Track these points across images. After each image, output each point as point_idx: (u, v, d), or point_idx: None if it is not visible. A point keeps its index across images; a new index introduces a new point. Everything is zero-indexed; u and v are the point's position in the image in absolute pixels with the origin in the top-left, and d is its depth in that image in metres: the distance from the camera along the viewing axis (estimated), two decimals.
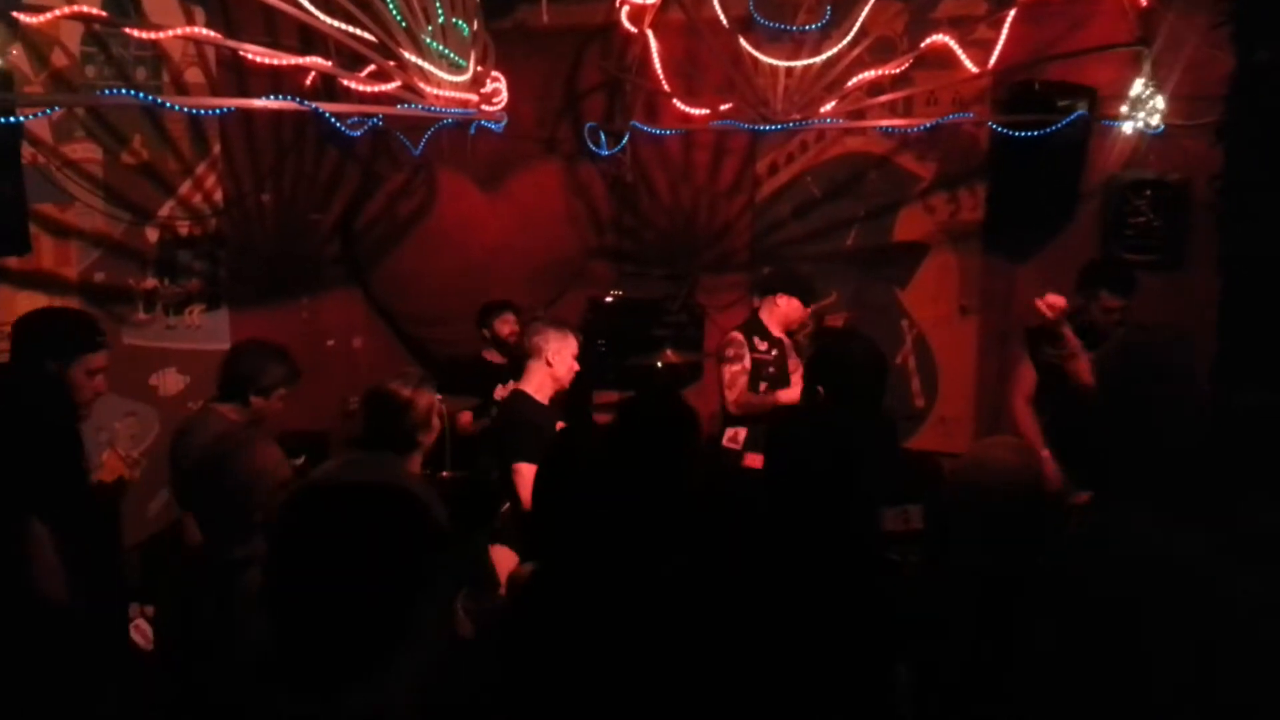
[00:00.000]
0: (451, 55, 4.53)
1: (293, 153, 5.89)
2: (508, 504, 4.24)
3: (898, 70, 5.21)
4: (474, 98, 4.78)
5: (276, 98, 4.19)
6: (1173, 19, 5.14)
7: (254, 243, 5.63)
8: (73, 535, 2.64)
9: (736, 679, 2.19)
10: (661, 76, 5.59)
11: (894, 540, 3.22)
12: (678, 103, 5.54)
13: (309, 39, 4.97)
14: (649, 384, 5.38)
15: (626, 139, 6.04)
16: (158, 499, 4.68)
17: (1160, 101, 5.10)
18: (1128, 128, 5.23)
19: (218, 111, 4.92)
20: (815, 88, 5.01)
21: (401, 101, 4.45)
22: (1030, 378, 4.79)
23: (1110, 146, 5.44)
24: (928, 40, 5.10)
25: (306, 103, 4.23)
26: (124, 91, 3.89)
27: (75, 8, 3.67)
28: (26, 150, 4.00)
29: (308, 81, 5.24)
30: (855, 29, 4.91)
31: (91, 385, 3.17)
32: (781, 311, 5.04)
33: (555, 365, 4.28)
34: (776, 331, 5.05)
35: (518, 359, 4.74)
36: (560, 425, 4.11)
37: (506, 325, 5.48)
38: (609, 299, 6.32)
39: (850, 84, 5.05)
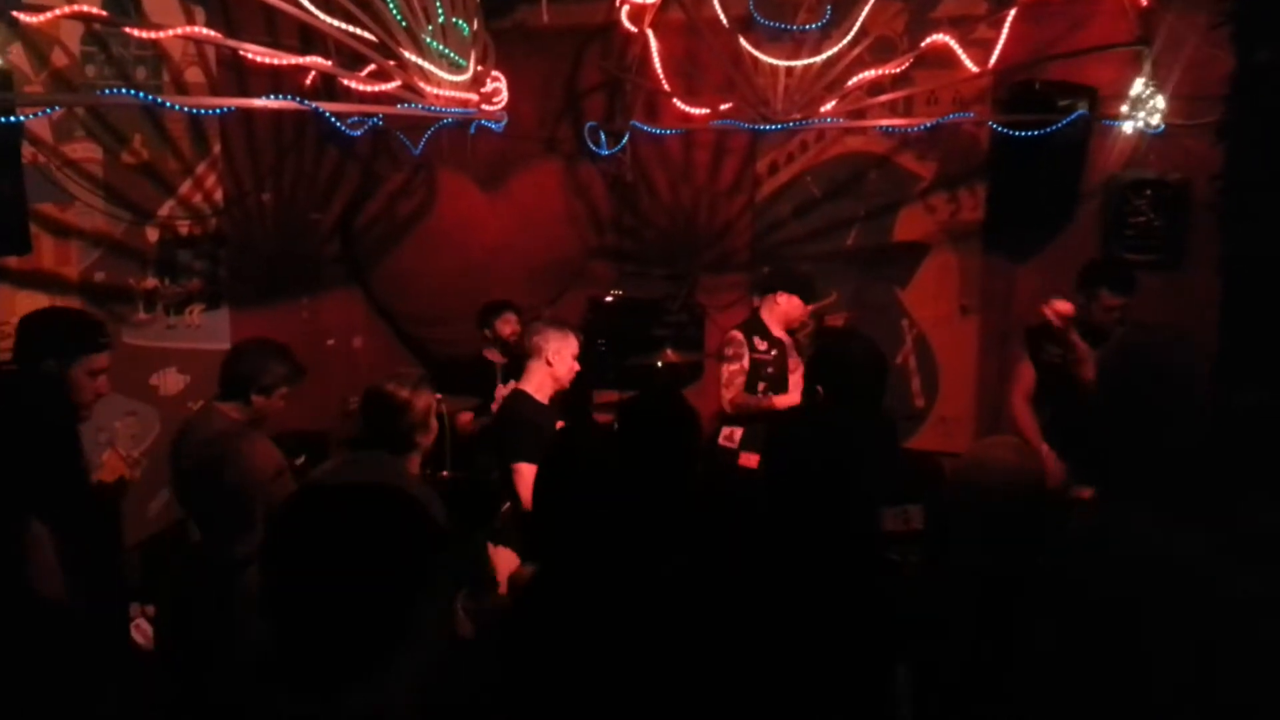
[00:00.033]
0: (452, 55, 4.53)
1: (293, 152, 5.89)
2: (508, 504, 4.24)
3: (898, 70, 5.21)
4: (474, 97, 4.78)
5: (277, 97, 4.19)
6: (1173, 19, 5.14)
7: (254, 242, 5.63)
8: (72, 535, 2.64)
9: (736, 679, 2.19)
10: (661, 76, 5.59)
11: (894, 540, 3.22)
12: (678, 102, 5.54)
13: (309, 38, 4.97)
14: (649, 384, 5.38)
15: (626, 139, 6.04)
16: (158, 499, 4.68)
17: (1160, 101, 5.10)
18: (1128, 127, 5.23)
19: (218, 111, 4.92)
20: (815, 87, 5.01)
21: (402, 101, 4.45)
22: (1030, 377, 4.79)
23: (1110, 146, 5.44)
24: (928, 40, 5.10)
25: (307, 102, 4.23)
26: (124, 91, 3.88)
27: (75, 7, 3.67)
28: (27, 150, 4.00)
29: (308, 81, 5.24)
30: (855, 28, 4.91)
31: (93, 386, 3.17)
32: (782, 310, 5.04)
33: (555, 365, 4.28)
34: (777, 331, 5.05)
35: (518, 359, 4.74)
36: (560, 425, 4.11)
37: (508, 325, 5.49)
38: (609, 299, 6.32)
39: (850, 83, 5.05)
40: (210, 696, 2.99)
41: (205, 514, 3.58)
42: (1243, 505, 2.01)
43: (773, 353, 5.00)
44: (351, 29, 4.23)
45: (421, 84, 4.42)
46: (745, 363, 4.96)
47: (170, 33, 4.13)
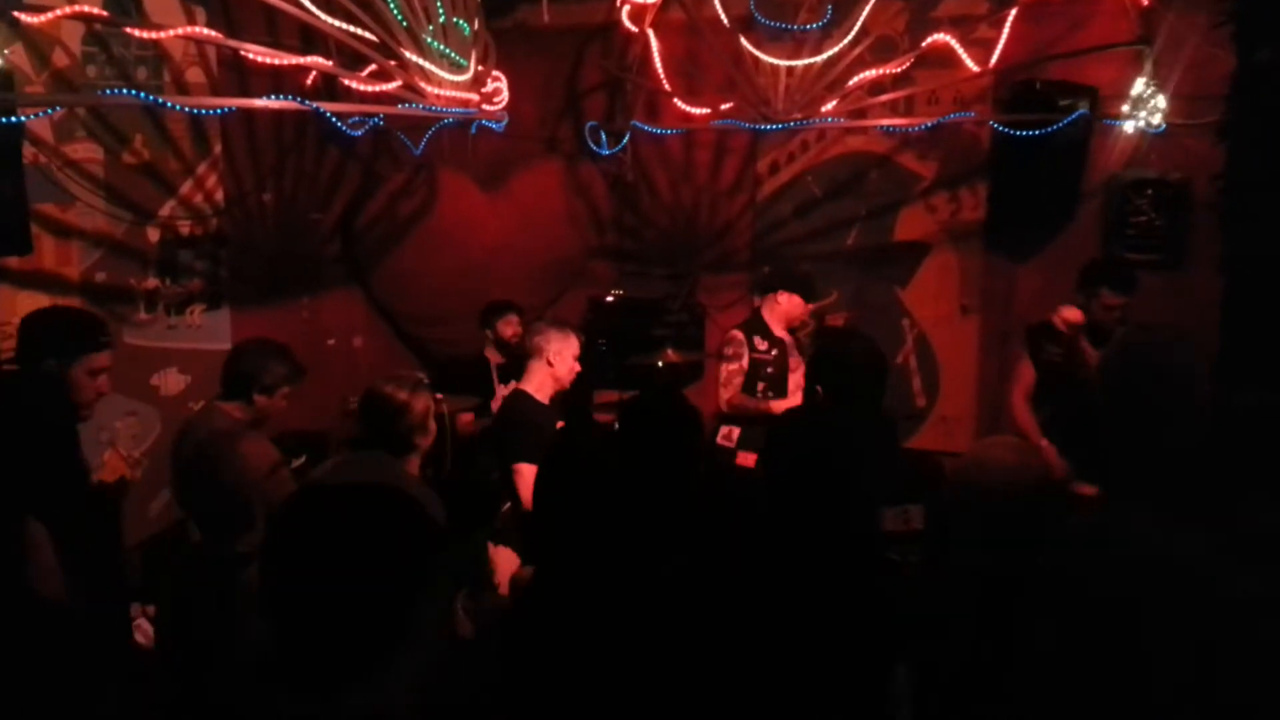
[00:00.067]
0: (452, 55, 4.53)
1: (294, 152, 5.89)
2: (508, 504, 4.24)
3: (899, 69, 5.21)
4: (475, 97, 4.78)
5: (277, 97, 4.19)
6: (1173, 18, 5.14)
7: (255, 242, 5.63)
8: (71, 535, 2.64)
9: (736, 679, 2.19)
10: (662, 76, 5.59)
11: (894, 540, 3.22)
12: (678, 102, 5.54)
13: (310, 39, 4.98)
14: (650, 384, 5.38)
15: (627, 138, 6.04)
16: (159, 499, 4.68)
17: (1161, 101, 5.10)
18: (1129, 127, 5.23)
19: (219, 111, 4.92)
20: (816, 87, 5.02)
21: (402, 101, 4.45)
22: (1030, 376, 4.80)
23: (1111, 146, 5.44)
24: (929, 39, 5.10)
25: (307, 102, 4.23)
26: (125, 91, 3.89)
27: (76, 7, 3.67)
28: (28, 150, 4.00)
29: (309, 81, 5.24)
30: (856, 28, 4.92)
31: (93, 385, 3.16)
32: (783, 309, 5.04)
33: (556, 365, 4.28)
34: (778, 330, 5.05)
35: (518, 359, 4.74)
36: (560, 425, 4.11)
37: (509, 327, 5.48)
38: (610, 298, 6.32)
39: (851, 83, 5.06)
40: (210, 696, 2.99)
41: (203, 513, 3.58)
42: (1243, 505, 2.01)
43: (773, 352, 5.00)
44: (352, 29, 4.24)
45: (422, 84, 4.43)
46: (744, 362, 4.96)
47: (171, 33, 4.13)
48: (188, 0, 4.97)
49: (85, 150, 4.48)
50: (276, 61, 4.28)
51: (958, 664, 2.20)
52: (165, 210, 4.98)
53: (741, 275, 6.39)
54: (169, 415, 4.83)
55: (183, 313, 5.11)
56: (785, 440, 2.60)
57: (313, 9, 4.04)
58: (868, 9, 4.91)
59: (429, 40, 4.39)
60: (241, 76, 5.17)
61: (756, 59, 4.99)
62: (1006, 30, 5.11)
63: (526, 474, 3.81)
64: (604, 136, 6.05)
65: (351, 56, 4.51)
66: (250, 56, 4.16)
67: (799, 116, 5.06)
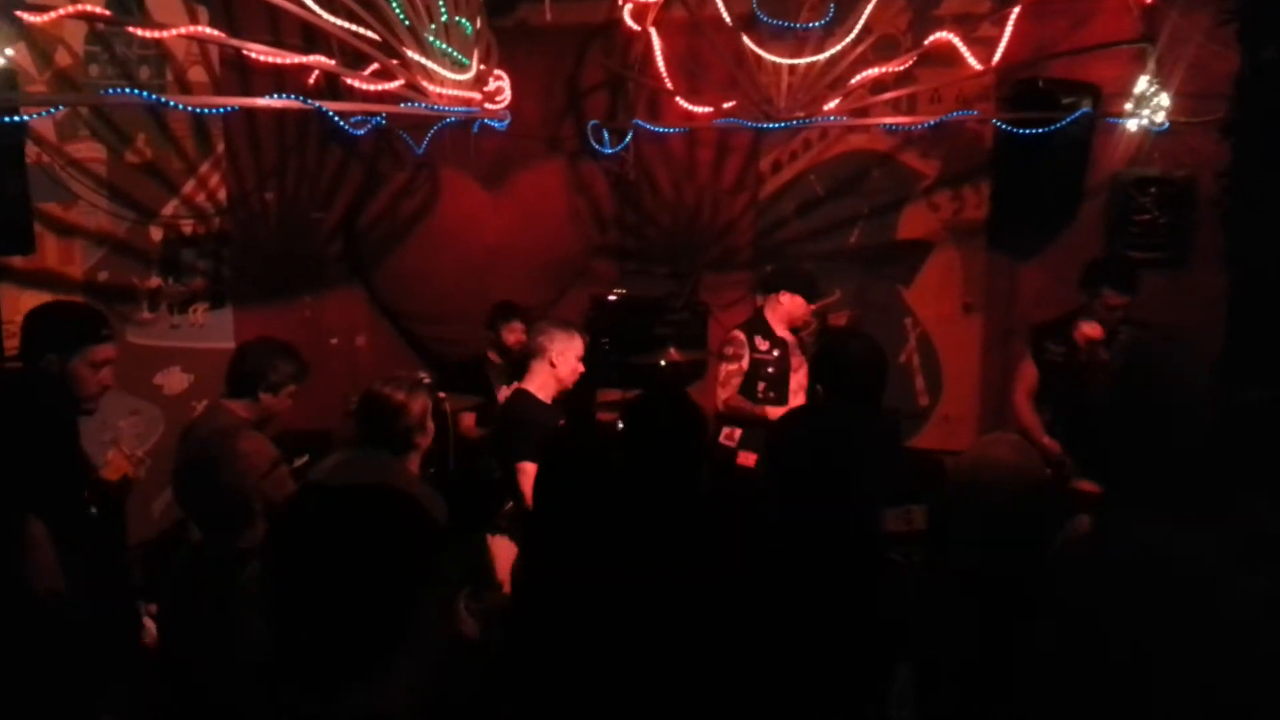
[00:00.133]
0: (455, 54, 4.53)
1: (296, 151, 5.89)
2: (510, 503, 4.24)
3: (901, 68, 5.20)
4: (477, 96, 4.78)
5: (280, 96, 4.19)
6: (1177, 16, 5.13)
7: (258, 241, 5.64)
8: (72, 532, 2.64)
9: (737, 679, 2.19)
10: (664, 74, 5.58)
11: (897, 540, 3.21)
12: (681, 100, 5.53)
13: (312, 38, 4.98)
14: (653, 382, 5.37)
15: (629, 137, 6.03)
16: (162, 498, 4.69)
17: (1165, 98, 5.08)
18: (1132, 125, 5.22)
19: (221, 110, 4.92)
20: (818, 85, 5.01)
21: (405, 100, 4.45)
22: (1032, 375, 4.80)
23: (1114, 144, 5.43)
24: (931, 38, 5.09)
25: (310, 101, 4.23)
26: (128, 90, 3.89)
27: (79, 7, 3.67)
28: (31, 149, 4.00)
29: (311, 80, 5.24)
30: (859, 26, 4.91)
31: (96, 378, 3.16)
32: (785, 309, 5.03)
33: (559, 366, 4.28)
34: (780, 330, 5.04)
35: (519, 364, 4.73)
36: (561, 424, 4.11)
37: (513, 334, 5.46)
38: (612, 297, 6.31)
39: (854, 81, 5.04)
40: (210, 696, 3.00)
41: (202, 511, 3.58)
42: (1244, 505, 2.01)
43: (774, 353, 5.00)
44: (354, 28, 4.23)
45: (424, 83, 4.42)
46: (744, 363, 4.96)
47: (173, 32, 4.14)
48: (190, 0, 4.98)
49: (88, 149, 4.48)
50: (279, 61, 4.28)
51: (959, 664, 2.19)
52: (168, 209, 4.99)
53: (744, 274, 6.38)
54: (172, 414, 4.84)
55: (186, 312, 5.12)
56: (786, 440, 2.60)
57: (315, 8, 4.04)
58: (870, 7, 4.90)
59: (431, 39, 4.39)
60: (244, 76, 5.18)
61: (759, 57, 4.98)
62: (1009, 28, 5.10)
63: (529, 472, 3.80)
64: (606, 135, 6.04)
65: (354, 55, 4.51)
66: (253, 56, 4.16)
67: (801, 115, 5.05)
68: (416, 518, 1.49)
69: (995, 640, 2.10)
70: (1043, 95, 5.24)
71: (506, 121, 5.21)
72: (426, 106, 4.49)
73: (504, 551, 3.92)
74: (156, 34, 4.41)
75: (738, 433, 4.96)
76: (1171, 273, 5.36)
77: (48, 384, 2.93)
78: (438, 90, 4.47)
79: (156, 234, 4.93)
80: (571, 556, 2.29)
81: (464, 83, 4.62)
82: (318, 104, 4.23)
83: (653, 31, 5.51)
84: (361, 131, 5.32)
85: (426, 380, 3.79)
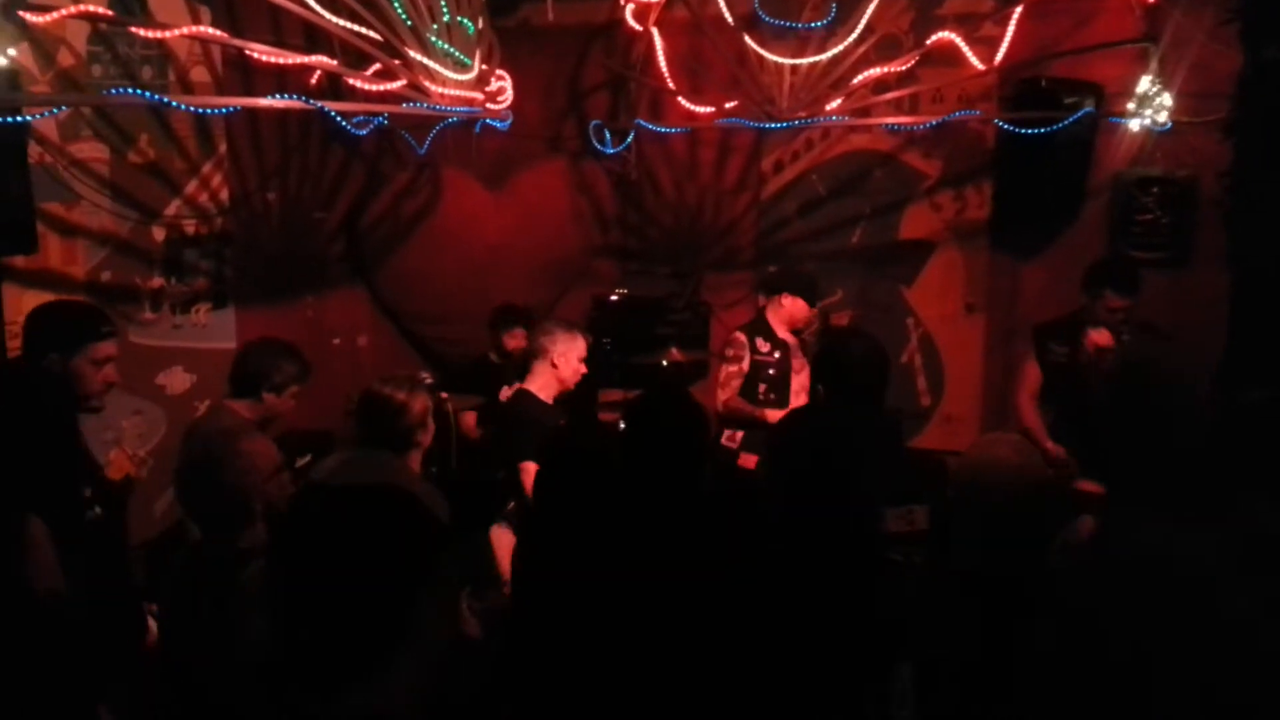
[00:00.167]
0: (457, 54, 4.53)
1: (298, 152, 5.89)
2: (513, 503, 4.24)
3: (903, 67, 5.20)
4: (479, 96, 4.78)
5: (282, 97, 4.19)
6: (1179, 15, 5.12)
7: (260, 241, 5.64)
8: (72, 532, 2.64)
9: (738, 678, 2.19)
10: (666, 74, 5.57)
11: (899, 540, 3.21)
12: (682, 100, 5.53)
13: (314, 38, 4.98)
14: (654, 382, 5.37)
15: (631, 137, 6.03)
16: (164, 498, 4.69)
17: (1167, 98, 5.07)
18: (1134, 125, 5.21)
19: (224, 110, 4.93)
20: (820, 85, 5.01)
21: (407, 100, 4.45)
22: (1036, 376, 4.79)
23: (1117, 143, 5.42)
24: (933, 37, 5.08)
25: (312, 102, 4.23)
26: (130, 91, 3.89)
27: (81, 7, 3.68)
28: (33, 149, 4.00)
29: (313, 80, 5.24)
30: (861, 26, 4.90)
31: (100, 375, 3.15)
32: (787, 312, 5.03)
33: (560, 367, 4.28)
34: (781, 332, 5.04)
35: (519, 367, 4.73)
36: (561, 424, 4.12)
37: (514, 340, 5.45)
38: (613, 297, 6.31)
39: (856, 81, 5.04)
40: (210, 696, 3.00)
41: (202, 511, 3.59)
42: (1245, 505, 2.00)
43: (775, 354, 5.00)
44: (357, 28, 4.24)
45: (427, 83, 4.43)
46: (745, 365, 4.96)
47: (176, 32, 4.14)
48: (192, 0, 4.98)
49: (90, 149, 4.49)
50: (281, 61, 4.28)
51: (959, 663, 2.19)
52: (170, 209, 4.99)
53: (746, 274, 6.38)
54: (175, 414, 4.84)
55: (188, 312, 5.12)
56: (786, 440, 2.60)
57: (317, 8, 4.05)
58: (872, 7, 4.90)
59: (433, 39, 4.39)
60: (246, 76, 5.18)
61: (761, 57, 4.98)
62: (1011, 28, 5.09)
63: (531, 472, 3.80)
64: (608, 135, 6.04)
65: (356, 56, 4.51)
66: (255, 56, 4.17)
67: (803, 115, 5.05)
68: (417, 517, 1.49)
69: (995, 640, 2.10)
70: (1045, 95, 5.24)
71: (508, 121, 5.21)
72: (428, 107, 4.49)
73: (504, 541, 3.92)
74: (159, 34, 4.41)
75: (739, 435, 4.96)
76: (1173, 272, 5.36)
77: (48, 383, 2.93)
78: (440, 90, 4.47)
79: (159, 234, 4.93)
80: (571, 556, 2.29)
81: (466, 83, 4.63)
82: (320, 104, 4.24)
83: (654, 31, 5.51)
84: (364, 132, 5.32)
85: (428, 380, 3.79)
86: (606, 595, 2.20)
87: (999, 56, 5.13)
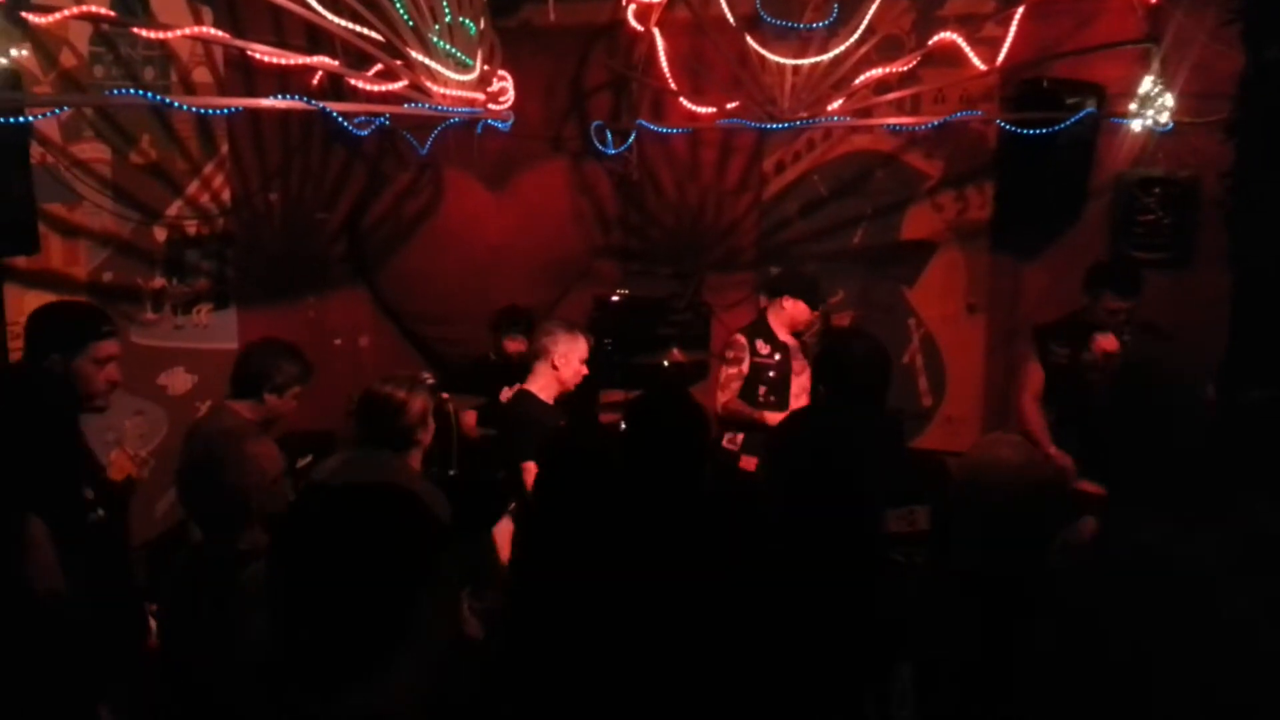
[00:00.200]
0: (458, 54, 4.53)
1: (300, 152, 5.90)
2: (514, 504, 4.24)
3: (905, 68, 5.20)
4: (481, 96, 4.79)
5: (284, 97, 4.20)
6: (1181, 16, 5.11)
7: (261, 242, 5.65)
8: (72, 532, 2.64)
9: (738, 679, 2.19)
10: (668, 75, 5.58)
11: (900, 541, 3.21)
12: (684, 101, 5.53)
13: (316, 38, 4.98)
14: (655, 383, 5.37)
15: (633, 137, 6.03)
16: (165, 498, 4.70)
17: (1169, 99, 5.07)
18: (1136, 125, 5.21)
19: (225, 111, 4.93)
20: (822, 85, 5.00)
21: (408, 101, 4.46)
22: (1038, 377, 4.78)
23: (1119, 144, 5.42)
24: (935, 38, 5.08)
25: (314, 102, 4.24)
26: (132, 91, 3.90)
27: (84, 8, 3.68)
28: (35, 150, 4.01)
29: (315, 81, 5.25)
30: (862, 27, 4.90)
31: (102, 375, 3.16)
32: (788, 314, 5.04)
33: (561, 369, 4.29)
34: (782, 335, 5.04)
35: (519, 368, 4.73)
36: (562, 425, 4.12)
37: (514, 344, 5.44)
38: (615, 298, 6.31)
39: (857, 82, 5.04)
40: (210, 696, 3.00)
41: (203, 512, 3.59)
42: (1245, 505, 2.00)
43: (776, 357, 5.00)
44: (358, 29, 4.24)
45: (428, 83, 4.43)
46: (744, 367, 4.96)
47: (178, 33, 4.14)
48: (194, 0, 4.98)
49: (92, 150, 4.49)
50: (283, 61, 4.29)
51: (959, 664, 2.19)
52: (172, 210, 5.00)
53: (747, 274, 6.38)
54: (176, 415, 4.85)
55: (189, 312, 5.13)
56: (787, 441, 2.60)
57: (319, 9, 4.05)
58: (874, 7, 4.90)
59: (435, 40, 4.39)
60: (248, 76, 5.19)
61: (762, 58, 4.98)
62: (1013, 28, 5.09)
63: (532, 472, 3.81)
64: (609, 135, 6.04)
65: (358, 56, 4.51)
66: (257, 56, 4.17)
67: (805, 115, 5.05)
68: (418, 516, 1.49)
69: (995, 640, 2.10)
70: (1047, 95, 5.24)
71: (510, 122, 5.21)
72: (430, 107, 4.49)
73: (504, 531, 3.93)
74: (161, 35, 4.41)
75: (740, 437, 4.97)
76: (1175, 273, 5.36)
77: (49, 384, 2.93)
78: (441, 91, 4.48)
79: (161, 235, 4.94)
80: (571, 556, 2.29)
81: (468, 83, 4.63)
82: (322, 105, 4.24)
83: (656, 32, 5.51)
84: (365, 132, 5.33)
85: (429, 381, 3.80)
86: (606, 595, 2.20)
87: (1000, 57, 5.13)
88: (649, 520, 2.48)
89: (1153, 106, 5.10)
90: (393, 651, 1.40)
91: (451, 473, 4.90)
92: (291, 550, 1.45)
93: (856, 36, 4.90)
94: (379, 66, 4.46)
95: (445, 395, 4.92)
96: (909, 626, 2.35)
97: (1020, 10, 5.08)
